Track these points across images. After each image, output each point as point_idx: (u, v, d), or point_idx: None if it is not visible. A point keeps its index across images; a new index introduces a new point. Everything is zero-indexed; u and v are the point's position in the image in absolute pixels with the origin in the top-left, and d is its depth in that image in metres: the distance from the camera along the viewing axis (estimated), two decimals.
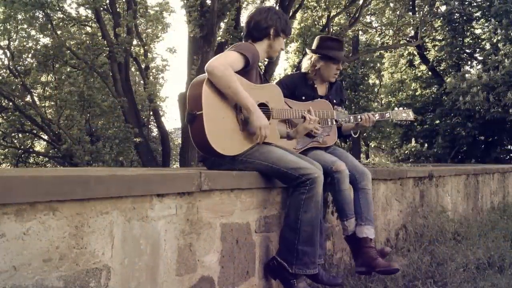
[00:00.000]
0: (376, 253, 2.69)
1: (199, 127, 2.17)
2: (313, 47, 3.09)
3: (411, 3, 16.33)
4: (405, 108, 3.23)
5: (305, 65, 3.11)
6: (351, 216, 2.76)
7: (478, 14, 15.88)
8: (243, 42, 2.52)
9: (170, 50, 13.31)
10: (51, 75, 14.30)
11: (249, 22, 2.54)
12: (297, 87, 3.04)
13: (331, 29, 13.54)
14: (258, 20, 2.51)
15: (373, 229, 2.77)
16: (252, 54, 2.34)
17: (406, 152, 15.32)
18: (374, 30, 17.52)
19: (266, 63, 12.77)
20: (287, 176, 2.29)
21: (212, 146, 2.17)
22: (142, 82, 14.31)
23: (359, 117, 3.02)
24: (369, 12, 16.56)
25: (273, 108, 2.48)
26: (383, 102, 20.60)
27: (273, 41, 2.52)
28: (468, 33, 16.32)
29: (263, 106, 2.43)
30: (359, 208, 2.80)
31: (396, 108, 3.21)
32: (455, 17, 15.93)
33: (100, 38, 12.04)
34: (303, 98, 2.97)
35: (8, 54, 13.51)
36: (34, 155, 16.13)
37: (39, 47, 13.12)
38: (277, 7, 12.37)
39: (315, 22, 14.87)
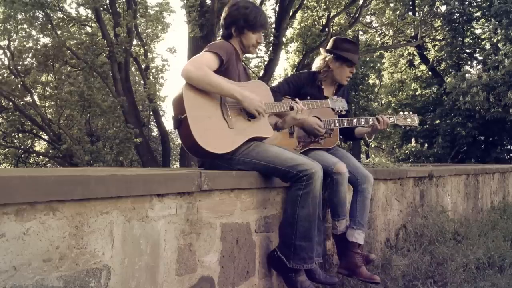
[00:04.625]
0: (361, 261, 2.71)
1: (186, 130, 2.15)
2: (328, 47, 3.04)
3: (411, 3, 16.33)
4: (410, 112, 3.18)
5: (317, 64, 3.05)
6: (343, 218, 2.76)
7: (478, 14, 15.88)
8: (217, 41, 2.49)
9: (170, 50, 13.33)
10: (51, 75, 14.32)
11: (221, 21, 2.53)
12: (304, 86, 3.00)
13: (331, 29, 13.53)
14: (223, 19, 2.49)
15: (364, 235, 2.77)
16: (225, 51, 2.31)
17: (406, 152, 15.32)
18: (374, 30, 17.52)
19: (266, 63, 12.80)
20: (285, 173, 2.28)
21: (201, 146, 2.14)
22: (142, 82, 14.31)
23: (371, 120, 2.96)
24: (369, 12, 16.57)
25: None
26: (383, 102, 20.61)
27: (240, 38, 2.47)
28: (468, 33, 16.33)
29: None
30: (355, 211, 2.79)
31: (401, 113, 3.17)
32: (455, 17, 15.93)
33: (100, 38, 12.05)
34: (308, 98, 2.93)
35: (8, 54, 13.51)
36: (34, 155, 16.15)
37: (39, 47, 13.12)
38: (277, 7, 12.42)
39: (315, 22, 14.87)
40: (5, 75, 13.19)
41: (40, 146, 16.99)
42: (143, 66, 12.91)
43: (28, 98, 13.40)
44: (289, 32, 14.33)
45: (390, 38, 16.14)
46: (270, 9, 13.63)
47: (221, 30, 2.54)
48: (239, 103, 2.28)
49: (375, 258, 2.91)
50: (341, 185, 2.67)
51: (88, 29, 14.05)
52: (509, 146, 14.98)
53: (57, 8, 12.52)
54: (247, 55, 2.73)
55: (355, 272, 2.68)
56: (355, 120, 2.97)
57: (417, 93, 17.72)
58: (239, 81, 2.42)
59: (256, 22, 2.44)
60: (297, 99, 2.59)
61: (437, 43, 17.10)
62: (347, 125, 2.96)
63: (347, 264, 2.73)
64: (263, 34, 2.60)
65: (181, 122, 2.18)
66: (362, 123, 2.99)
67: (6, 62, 13.53)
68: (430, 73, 17.36)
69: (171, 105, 2.29)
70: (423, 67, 17.72)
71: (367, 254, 2.85)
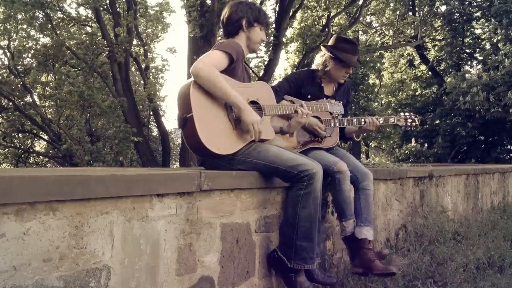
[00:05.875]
0: (374, 255, 2.69)
1: (191, 129, 2.15)
2: (329, 43, 3.04)
3: (411, 3, 16.33)
4: (411, 113, 3.19)
5: (317, 61, 3.06)
6: (350, 217, 2.75)
7: (478, 14, 15.89)
8: (225, 39, 2.50)
9: (170, 50, 13.31)
10: (51, 75, 14.31)
11: (223, 19, 2.53)
12: (304, 85, 3.00)
13: (331, 29, 13.53)
14: (229, 15, 2.50)
15: (372, 231, 2.76)
16: (235, 50, 2.32)
17: (406, 152, 15.32)
18: (374, 30, 17.52)
19: (266, 63, 12.80)
20: (285, 173, 2.28)
21: (206, 146, 2.15)
22: (142, 82, 14.31)
23: (362, 120, 2.99)
24: (369, 12, 16.57)
25: (264, 105, 2.46)
26: (383, 102, 20.61)
27: (249, 33, 2.48)
28: (468, 33, 16.33)
29: (254, 103, 2.41)
30: (359, 209, 2.79)
31: (402, 113, 3.17)
32: (455, 17, 15.94)
33: (100, 38, 12.04)
34: (309, 97, 2.93)
35: (8, 54, 13.51)
36: (34, 155, 16.14)
37: (39, 47, 13.11)
38: (277, 7, 12.41)
39: (315, 22, 14.86)
40: (5, 75, 13.17)
41: (40, 146, 16.98)
42: (143, 66, 12.89)
43: (28, 98, 13.39)
44: (289, 32, 14.32)
45: (390, 38, 16.14)
46: (270, 9, 13.63)
47: (225, 28, 2.52)
48: (239, 112, 2.26)
49: (388, 253, 2.89)
50: (343, 184, 2.68)
51: (88, 29, 14.04)
52: (509, 146, 14.99)
53: (57, 8, 12.50)
54: (248, 54, 2.73)
55: (370, 267, 2.62)
56: (355, 120, 2.98)
57: (417, 93, 17.72)
58: (243, 81, 2.42)
59: (266, 17, 2.54)
60: (302, 103, 2.60)
61: (437, 43, 17.10)
62: (347, 124, 2.97)
63: (361, 262, 2.69)
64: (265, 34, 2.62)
65: (186, 121, 2.18)
66: (362, 123, 2.99)
67: (6, 62, 13.53)
68: (430, 73, 17.36)
69: (176, 103, 2.29)
70: (423, 67, 17.72)
71: (380, 250, 2.84)
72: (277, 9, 12.46)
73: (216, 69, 2.20)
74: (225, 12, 2.53)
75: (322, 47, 3.09)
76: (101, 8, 11.69)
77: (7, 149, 15.10)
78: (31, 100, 13.48)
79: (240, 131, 2.31)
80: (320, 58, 3.04)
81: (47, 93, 14.28)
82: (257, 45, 2.55)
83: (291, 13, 12.22)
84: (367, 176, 2.84)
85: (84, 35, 13.12)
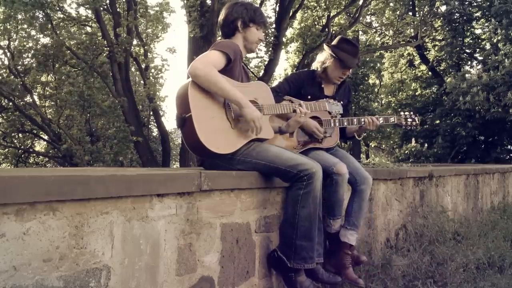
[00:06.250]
0: (350, 262, 2.73)
1: (190, 129, 2.15)
2: (333, 43, 3.05)
3: (411, 3, 16.33)
4: (411, 112, 3.20)
5: (318, 59, 3.07)
6: (339, 217, 2.77)
7: (478, 14, 15.89)
8: (223, 39, 2.50)
9: (170, 50, 13.32)
10: (51, 75, 14.32)
11: (220, 21, 2.54)
12: (304, 85, 3.00)
13: (331, 29, 13.54)
14: (225, 16, 2.50)
15: (357, 236, 2.79)
16: (233, 50, 2.31)
17: (406, 152, 15.32)
18: (374, 30, 17.53)
19: (266, 63, 12.80)
20: (285, 173, 2.28)
21: (205, 146, 2.15)
22: (142, 82, 14.31)
23: (362, 120, 3.00)
24: (369, 12, 16.57)
25: (262, 104, 2.45)
26: (383, 102, 20.62)
27: (245, 33, 2.48)
28: (468, 33, 16.33)
29: (252, 103, 2.39)
30: (351, 211, 2.81)
31: (402, 113, 3.18)
32: (455, 17, 15.94)
33: (100, 38, 12.05)
34: (309, 97, 2.93)
35: (8, 54, 13.52)
36: (34, 155, 16.16)
37: (39, 47, 13.12)
38: (277, 7, 12.41)
39: (315, 22, 14.87)
40: (5, 75, 13.18)
41: (40, 146, 17.00)
42: (143, 66, 12.90)
43: (28, 98, 13.40)
44: (289, 32, 14.33)
45: (390, 38, 16.14)
46: (270, 9, 13.66)
47: (222, 30, 2.53)
48: (239, 109, 2.27)
49: (365, 260, 2.92)
50: (340, 186, 2.67)
51: (88, 29, 14.05)
52: (509, 146, 14.99)
53: (57, 8, 12.51)
54: (247, 54, 2.73)
55: (342, 272, 2.71)
56: (355, 120, 2.98)
57: (417, 93, 17.73)
58: (241, 82, 2.42)
59: (262, 17, 2.52)
60: (301, 102, 2.60)
61: (437, 43, 17.10)
62: (347, 124, 2.97)
63: (336, 263, 2.76)
64: (263, 33, 2.61)
65: (185, 121, 2.18)
66: (362, 123, 3.00)
67: (6, 62, 13.53)
68: (430, 73, 17.37)
69: (174, 103, 2.29)
70: (423, 67, 17.73)
71: (358, 255, 2.86)
72: (277, 9, 12.46)
73: (214, 68, 2.20)
74: (221, 14, 2.54)
75: (324, 46, 3.10)
76: (101, 8, 11.69)
77: (7, 149, 15.13)
78: (31, 100, 13.50)
79: (239, 130, 2.30)
80: (321, 56, 3.05)
81: (47, 93, 14.30)
82: (255, 45, 2.55)
83: (291, 13, 12.22)
84: (367, 180, 2.84)
85: (84, 35, 13.13)
